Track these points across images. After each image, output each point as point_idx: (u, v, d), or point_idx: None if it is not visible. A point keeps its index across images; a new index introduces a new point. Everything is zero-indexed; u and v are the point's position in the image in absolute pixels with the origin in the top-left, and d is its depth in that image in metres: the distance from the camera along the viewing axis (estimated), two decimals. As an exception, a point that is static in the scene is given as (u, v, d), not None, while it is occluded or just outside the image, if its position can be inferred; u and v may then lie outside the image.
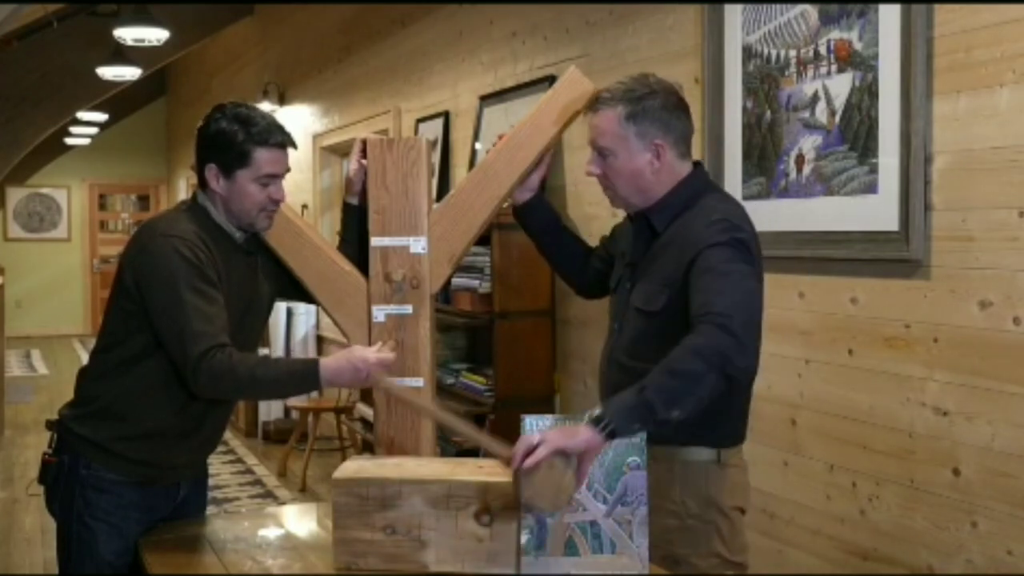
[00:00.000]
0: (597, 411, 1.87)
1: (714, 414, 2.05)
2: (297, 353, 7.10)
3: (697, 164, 2.25)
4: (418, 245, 2.29)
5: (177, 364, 2.14)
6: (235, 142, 2.21)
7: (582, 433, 1.84)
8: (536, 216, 2.44)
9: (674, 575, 2.08)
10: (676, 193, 2.17)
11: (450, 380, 4.55)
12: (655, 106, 2.13)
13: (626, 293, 2.23)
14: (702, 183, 2.23)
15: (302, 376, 2.14)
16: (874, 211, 2.75)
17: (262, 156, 2.23)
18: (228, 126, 2.22)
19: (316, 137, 7.63)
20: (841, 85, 2.85)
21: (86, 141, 13.78)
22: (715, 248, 2.02)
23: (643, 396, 1.86)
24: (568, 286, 2.60)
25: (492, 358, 4.29)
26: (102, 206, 15.26)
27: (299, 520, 2.58)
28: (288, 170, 2.31)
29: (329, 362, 2.12)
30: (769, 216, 2.98)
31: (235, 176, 2.23)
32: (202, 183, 2.29)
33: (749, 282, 2.02)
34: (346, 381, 2.11)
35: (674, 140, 2.15)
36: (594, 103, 2.17)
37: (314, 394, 7.02)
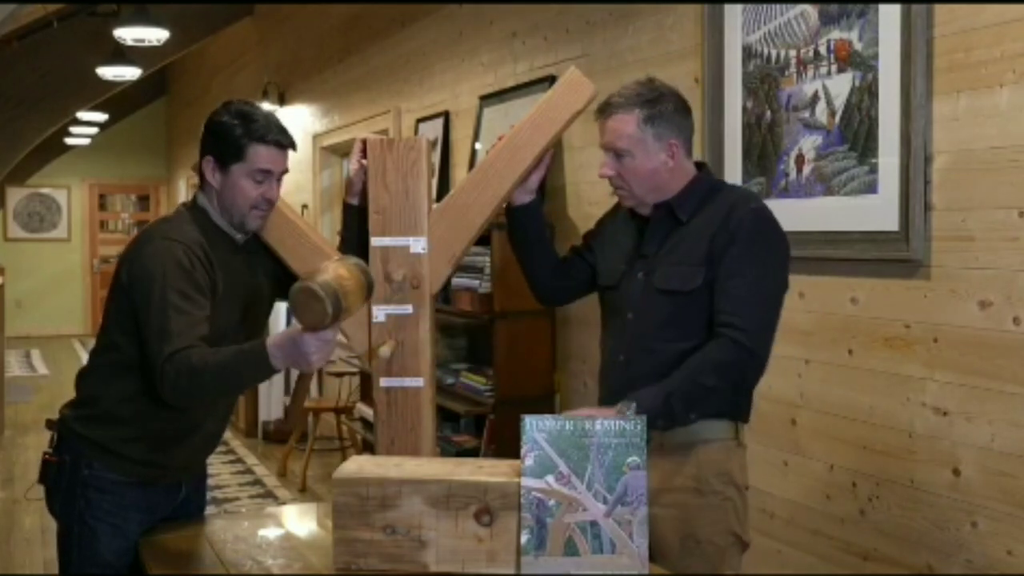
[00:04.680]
0: (629, 410, 2.05)
1: (733, 390, 2.23)
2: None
3: (702, 163, 2.41)
4: (418, 245, 2.29)
5: (151, 365, 2.06)
6: (232, 136, 2.23)
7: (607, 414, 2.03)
8: (529, 220, 2.45)
9: (673, 575, 2.09)
10: (696, 185, 2.31)
11: (450, 380, 4.55)
12: (669, 109, 2.26)
13: (640, 283, 2.29)
14: (715, 179, 2.42)
15: (249, 355, 2.01)
16: (874, 211, 2.75)
17: (257, 151, 2.23)
18: (229, 120, 2.24)
19: (316, 137, 7.63)
20: (841, 85, 2.85)
21: (86, 141, 13.76)
22: (753, 230, 2.20)
23: (669, 403, 2.10)
24: (533, 292, 2.58)
25: (492, 358, 4.29)
26: (102, 206, 15.26)
27: (299, 520, 2.58)
28: (286, 171, 2.32)
29: (275, 339, 1.99)
30: (769, 216, 2.99)
31: (230, 170, 2.24)
32: (202, 178, 2.30)
33: (775, 286, 2.24)
34: (291, 361, 1.96)
35: (684, 140, 2.30)
36: (607, 108, 2.27)
37: (314, 393, 7.16)
